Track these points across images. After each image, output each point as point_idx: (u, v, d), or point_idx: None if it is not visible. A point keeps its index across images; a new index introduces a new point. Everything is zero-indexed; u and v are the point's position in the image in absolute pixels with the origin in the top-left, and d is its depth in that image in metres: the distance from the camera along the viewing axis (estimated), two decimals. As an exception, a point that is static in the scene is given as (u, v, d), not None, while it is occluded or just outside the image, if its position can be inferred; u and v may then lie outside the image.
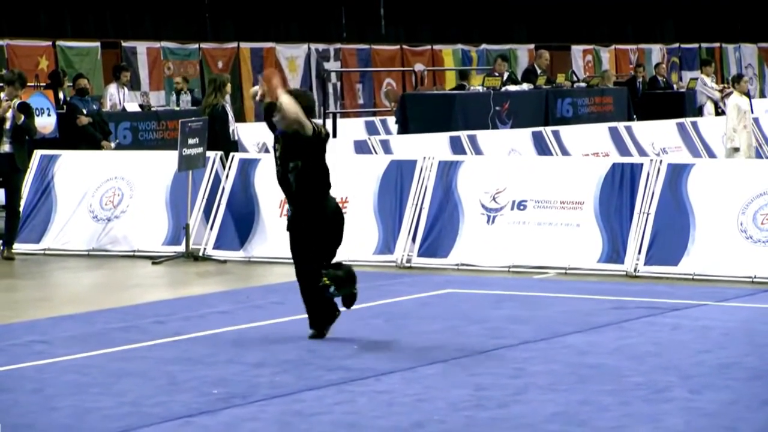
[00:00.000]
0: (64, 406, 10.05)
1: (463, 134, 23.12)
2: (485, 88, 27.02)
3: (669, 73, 34.77)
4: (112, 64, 27.45)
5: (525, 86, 28.24)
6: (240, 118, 26.99)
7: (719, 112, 28.31)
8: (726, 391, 10.05)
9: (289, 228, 12.15)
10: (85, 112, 22.64)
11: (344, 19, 34.21)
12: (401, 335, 12.81)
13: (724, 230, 15.65)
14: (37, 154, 19.15)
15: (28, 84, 20.31)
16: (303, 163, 11.62)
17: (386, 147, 22.45)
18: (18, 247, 18.21)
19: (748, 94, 25.51)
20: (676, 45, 40.38)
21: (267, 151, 21.38)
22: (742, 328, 13.15)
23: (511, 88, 27.67)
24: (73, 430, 9.41)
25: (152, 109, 26.76)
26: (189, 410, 9.63)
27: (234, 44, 31.14)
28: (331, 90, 29.70)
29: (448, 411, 9.62)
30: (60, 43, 27.30)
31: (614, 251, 15.84)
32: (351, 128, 27.80)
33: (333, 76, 29.21)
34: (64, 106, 22.63)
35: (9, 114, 17.70)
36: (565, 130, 25.49)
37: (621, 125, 26.77)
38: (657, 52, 38.94)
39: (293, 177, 11.49)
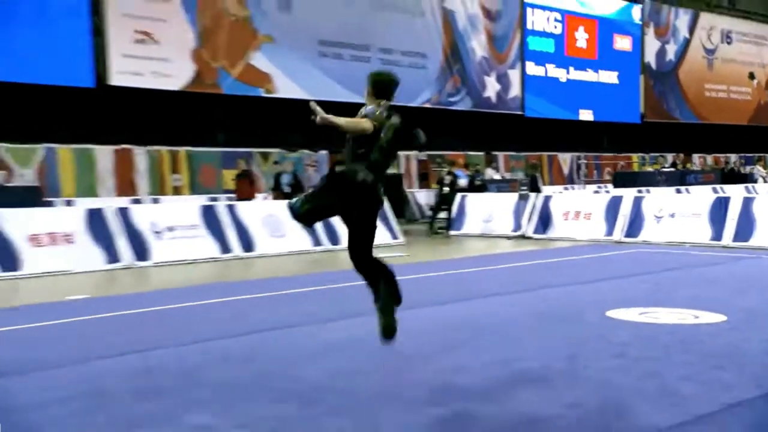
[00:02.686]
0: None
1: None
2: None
3: (740, 165, 32.52)
4: (488, 159, 27.64)
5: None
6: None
7: (766, 182, 27.01)
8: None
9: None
10: (478, 180, 22.47)
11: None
12: (523, 267, 12.19)
13: None
14: (458, 195, 18.80)
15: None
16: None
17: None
18: (452, 232, 18.21)
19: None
20: (743, 154, 37.22)
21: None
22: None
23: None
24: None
25: (505, 178, 25.95)
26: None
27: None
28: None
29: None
30: (469, 153, 27.49)
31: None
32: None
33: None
34: (472, 176, 22.26)
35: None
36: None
37: (718, 187, 24.72)
38: (734, 157, 35.96)
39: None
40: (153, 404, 5.01)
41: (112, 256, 12.76)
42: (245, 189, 17.21)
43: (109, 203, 15.37)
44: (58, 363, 6.14)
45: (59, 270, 12.01)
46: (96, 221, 12.85)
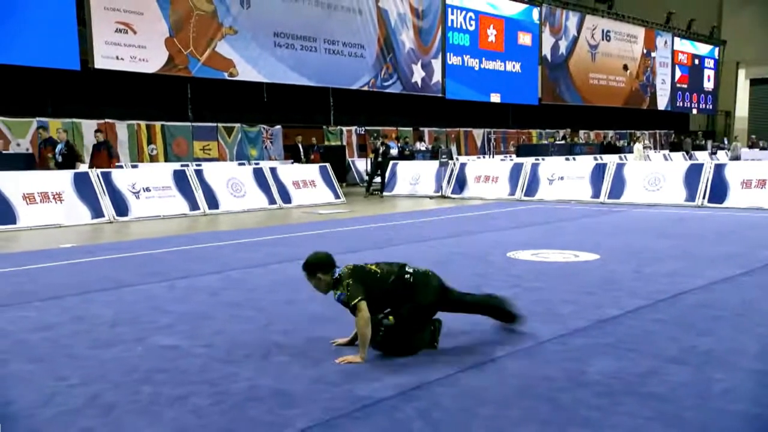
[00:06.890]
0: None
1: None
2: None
3: (615, 139, 32.45)
4: (417, 134, 27.37)
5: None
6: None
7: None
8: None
9: None
10: (407, 150, 22.29)
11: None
12: (443, 220, 12.40)
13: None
14: (390, 163, 18.47)
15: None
16: None
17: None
18: (385, 193, 18.04)
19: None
20: (618, 130, 37.82)
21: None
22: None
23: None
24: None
25: (429, 148, 24.93)
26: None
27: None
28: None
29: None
30: (401, 128, 27.40)
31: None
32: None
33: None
34: (402, 147, 22.07)
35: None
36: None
37: (598, 156, 24.62)
38: (611, 133, 36.32)
39: None
40: (127, 328, 4.89)
41: (97, 212, 12.36)
42: (103, 159, 14.37)
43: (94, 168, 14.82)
44: (51, 295, 5.93)
45: (51, 223, 11.58)
46: (82, 183, 12.40)
